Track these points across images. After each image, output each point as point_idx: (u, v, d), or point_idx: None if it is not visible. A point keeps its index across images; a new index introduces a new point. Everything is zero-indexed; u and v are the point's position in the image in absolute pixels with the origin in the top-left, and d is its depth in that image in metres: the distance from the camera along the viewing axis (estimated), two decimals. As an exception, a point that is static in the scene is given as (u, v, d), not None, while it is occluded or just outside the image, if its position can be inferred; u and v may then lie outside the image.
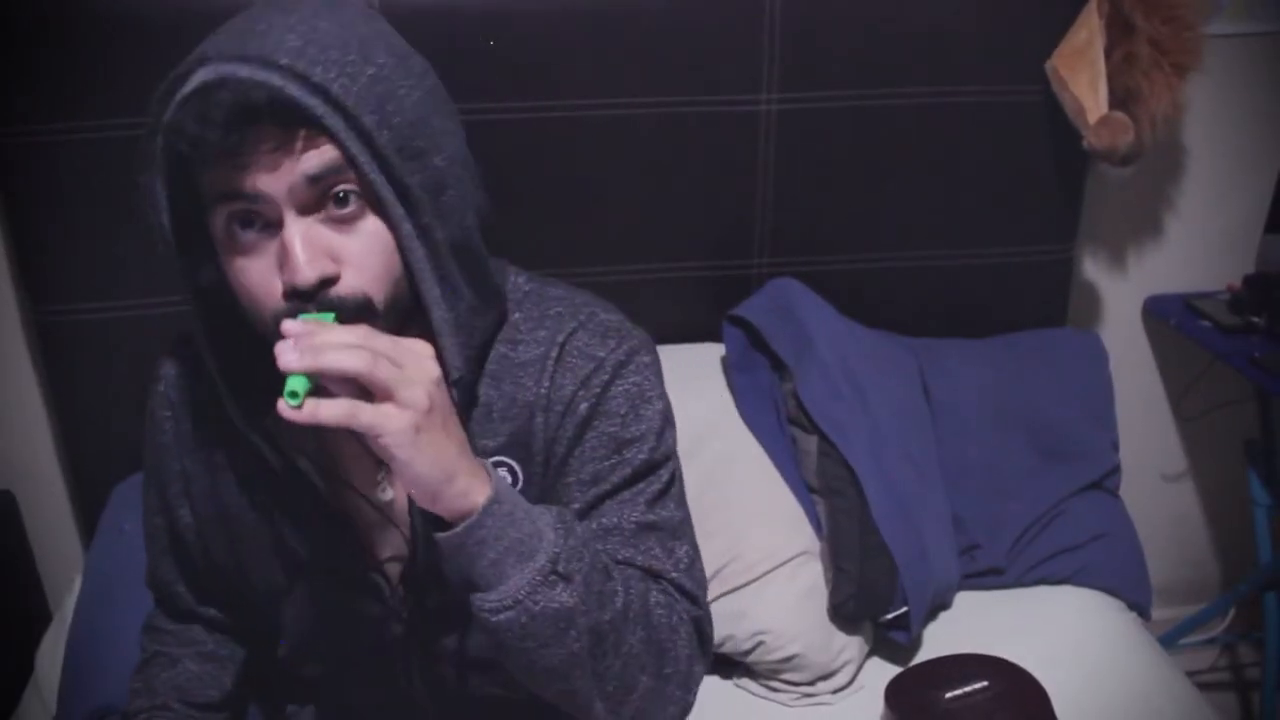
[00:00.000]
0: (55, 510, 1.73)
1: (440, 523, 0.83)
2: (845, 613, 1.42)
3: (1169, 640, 1.98)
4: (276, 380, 0.75)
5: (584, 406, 0.95)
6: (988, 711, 1.29)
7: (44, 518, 1.72)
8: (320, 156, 0.80)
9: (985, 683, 1.32)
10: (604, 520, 0.95)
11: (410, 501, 0.95)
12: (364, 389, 0.76)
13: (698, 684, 0.97)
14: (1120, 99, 1.61)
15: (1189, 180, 1.87)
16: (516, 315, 0.99)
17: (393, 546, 1.00)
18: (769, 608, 1.41)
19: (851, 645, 1.44)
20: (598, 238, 1.62)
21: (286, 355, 0.73)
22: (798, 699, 1.42)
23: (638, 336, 1.00)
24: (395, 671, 1.04)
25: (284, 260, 0.81)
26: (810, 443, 1.52)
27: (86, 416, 1.57)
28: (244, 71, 0.77)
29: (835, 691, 1.42)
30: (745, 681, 1.46)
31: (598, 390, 0.95)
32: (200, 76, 0.78)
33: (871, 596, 1.42)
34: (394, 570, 1.00)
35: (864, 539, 1.44)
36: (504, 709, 1.04)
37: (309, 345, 0.74)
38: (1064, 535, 1.61)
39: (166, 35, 1.39)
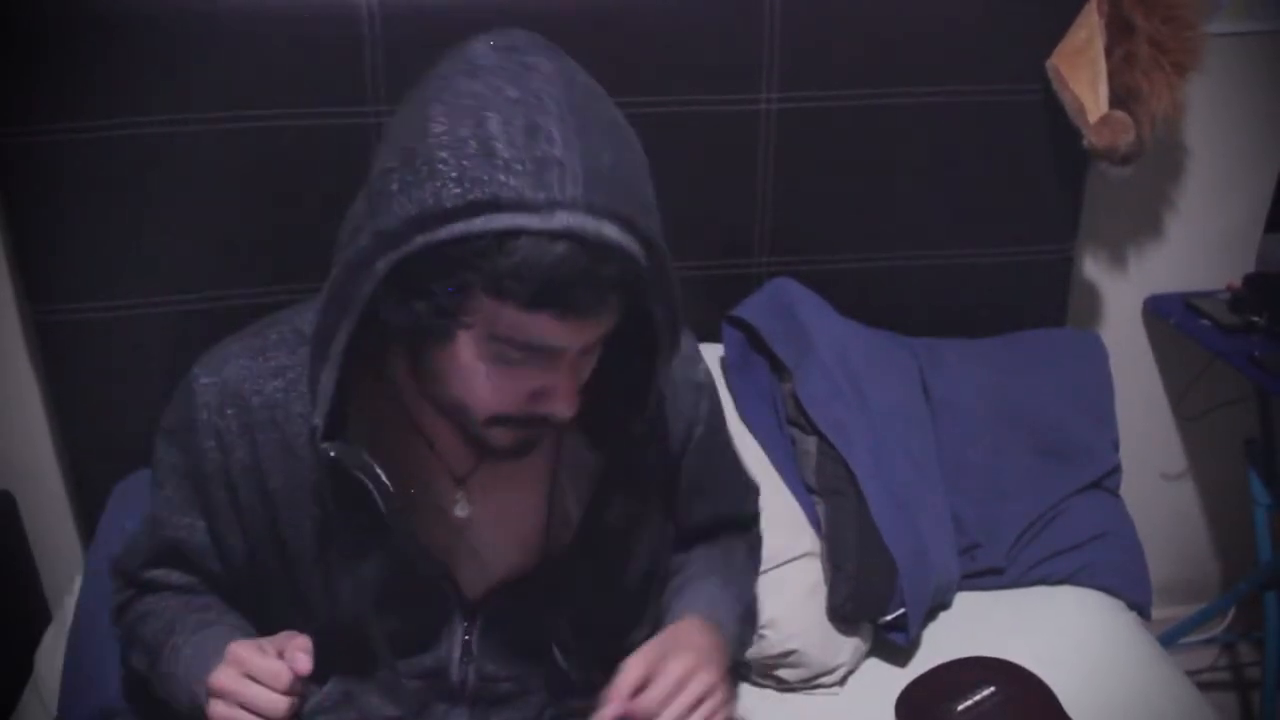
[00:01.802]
0: (55, 510, 1.73)
1: None
2: (844, 614, 1.42)
3: (1169, 640, 1.98)
4: (349, 401, 0.87)
5: (699, 430, 1.09)
6: (999, 718, 1.28)
7: (44, 518, 1.72)
8: (616, 312, 0.82)
9: (993, 688, 1.31)
10: (703, 482, 1.12)
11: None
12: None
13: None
14: (1120, 98, 1.61)
15: (1189, 180, 1.87)
16: None
17: (468, 562, 1.02)
18: (770, 604, 1.41)
19: (850, 646, 1.44)
20: (597, 238, 1.62)
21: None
22: (794, 694, 1.42)
23: (695, 343, 1.11)
24: (446, 673, 1.06)
25: (547, 394, 0.84)
26: (809, 443, 1.51)
27: (86, 416, 1.57)
28: (609, 233, 0.75)
29: (833, 685, 1.42)
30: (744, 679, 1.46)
31: (705, 411, 1.10)
32: (563, 221, 0.74)
33: (870, 597, 1.42)
34: (469, 581, 1.03)
35: (863, 540, 1.44)
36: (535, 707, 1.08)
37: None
38: (1064, 535, 1.61)
39: (167, 35, 1.40)
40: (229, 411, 0.96)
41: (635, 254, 0.77)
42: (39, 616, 1.66)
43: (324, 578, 0.99)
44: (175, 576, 1.07)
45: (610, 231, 0.75)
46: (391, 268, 0.77)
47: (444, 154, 0.75)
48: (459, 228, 0.74)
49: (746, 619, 1.16)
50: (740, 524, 1.23)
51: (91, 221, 1.46)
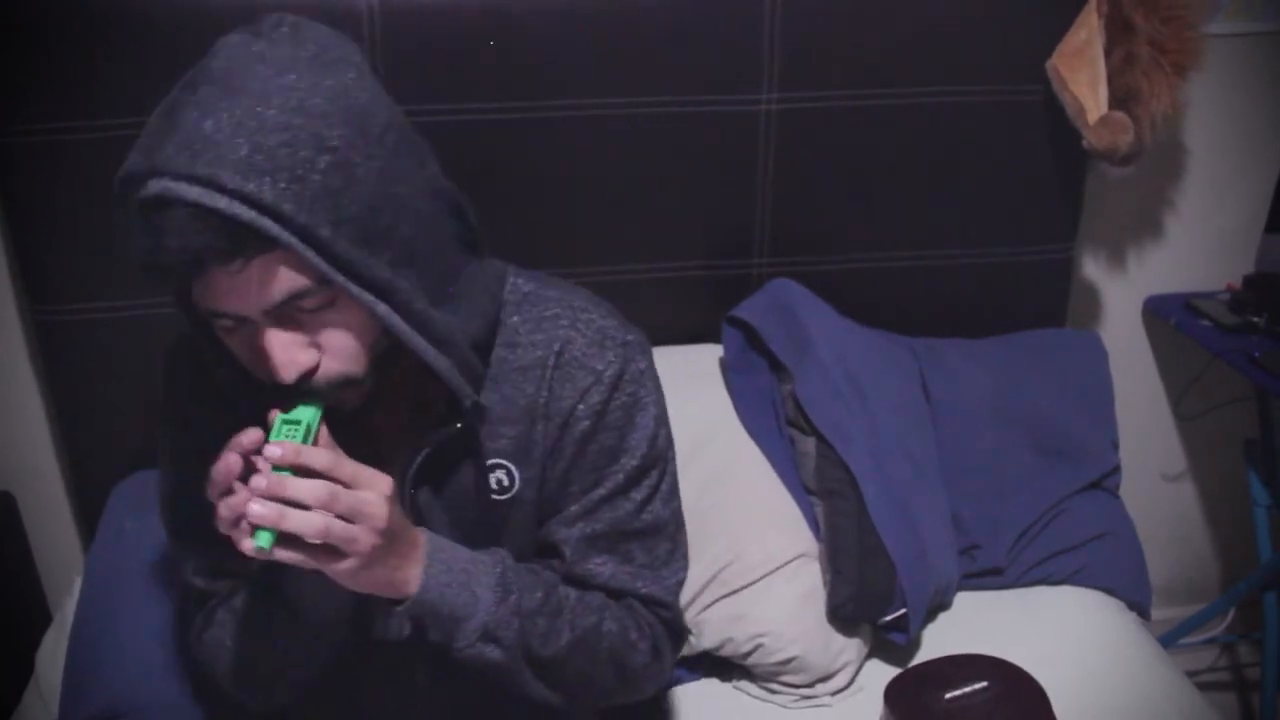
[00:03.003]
0: (55, 510, 1.73)
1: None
2: (843, 615, 1.42)
3: (1169, 640, 1.99)
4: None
5: (585, 423, 1.02)
6: (987, 712, 1.29)
7: (44, 518, 1.72)
8: (285, 282, 0.83)
9: (985, 683, 1.32)
10: (595, 526, 1.04)
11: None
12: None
13: (668, 669, 1.12)
14: (1120, 99, 1.61)
15: (1189, 180, 1.87)
16: (515, 318, 1.02)
17: None
18: (768, 610, 1.41)
19: (850, 647, 1.44)
20: (597, 238, 1.62)
21: (254, 509, 0.81)
22: (796, 701, 1.42)
23: (633, 340, 1.04)
24: (401, 665, 1.06)
25: (266, 357, 0.86)
26: (809, 444, 1.51)
27: (86, 416, 1.57)
28: (193, 194, 0.78)
29: (834, 693, 1.42)
30: (744, 684, 1.45)
31: (597, 405, 1.01)
32: (153, 189, 0.79)
33: (870, 599, 1.42)
34: None
35: (862, 541, 1.44)
36: (503, 700, 1.06)
37: (276, 500, 0.82)
38: (1064, 535, 1.61)
39: (167, 35, 1.40)
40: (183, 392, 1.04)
41: (225, 212, 0.78)
42: (39, 617, 1.66)
43: None
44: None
45: (189, 193, 0.78)
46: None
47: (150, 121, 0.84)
48: (118, 206, 0.82)
49: (502, 625, 0.98)
50: (621, 595, 1.06)
51: (91, 221, 1.46)
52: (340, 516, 0.84)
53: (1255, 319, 1.78)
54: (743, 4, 1.52)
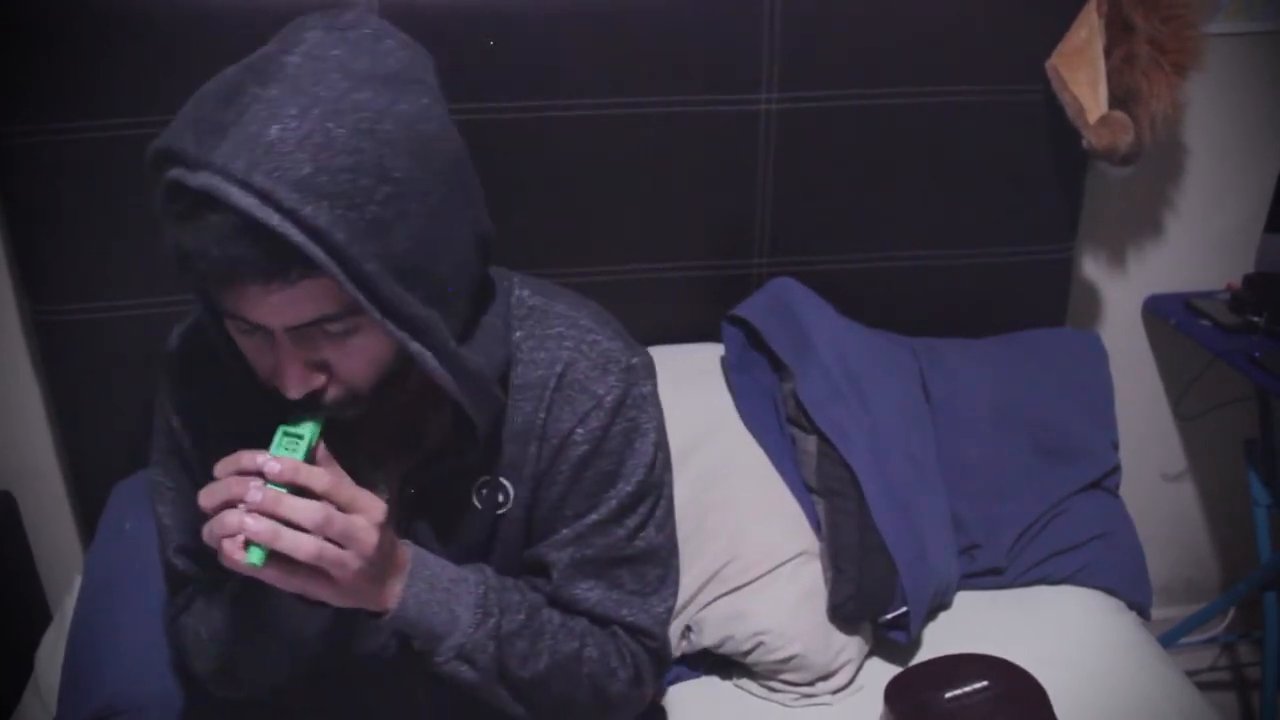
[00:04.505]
0: (55, 510, 1.73)
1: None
2: (844, 613, 1.42)
3: (1169, 640, 1.98)
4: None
5: (584, 448, 1.00)
6: (987, 712, 1.28)
7: (44, 518, 1.72)
8: (317, 305, 0.81)
9: (985, 682, 1.31)
10: (586, 551, 1.02)
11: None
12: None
13: (649, 698, 1.12)
14: (1120, 99, 1.61)
15: (1189, 180, 1.87)
16: (519, 334, 1.01)
17: None
18: (768, 608, 1.41)
19: (851, 646, 1.44)
20: (597, 238, 1.62)
21: (250, 524, 0.81)
22: (797, 699, 1.42)
23: (637, 363, 1.03)
24: (391, 670, 1.05)
25: (277, 368, 0.85)
26: (810, 443, 1.51)
27: (86, 416, 1.57)
28: (246, 202, 0.74)
29: (835, 692, 1.42)
30: (745, 682, 1.45)
31: (596, 431, 1.00)
32: (202, 182, 0.75)
33: (871, 597, 1.42)
34: None
35: (863, 539, 1.44)
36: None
37: (270, 518, 0.82)
38: (1064, 535, 1.61)
39: (167, 35, 1.40)
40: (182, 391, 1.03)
41: (277, 231, 0.75)
42: (39, 617, 1.66)
43: None
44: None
45: (242, 201, 0.74)
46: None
47: (195, 99, 0.81)
48: (151, 173, 0.79)
49: (479, 649, 0.98)
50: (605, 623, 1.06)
51: (91, 221, 1.46)
52: (330, 540, 0.84)
53: (1255, 319, 1.77)
54: (743, 4, 1.52)
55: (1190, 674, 1.49)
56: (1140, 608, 1.61)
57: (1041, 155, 1.68)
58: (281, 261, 0.77)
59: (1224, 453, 2.00)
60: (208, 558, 1.01)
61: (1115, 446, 1.69)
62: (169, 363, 1.05)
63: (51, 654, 1.44)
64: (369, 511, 0.86)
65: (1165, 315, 1.88)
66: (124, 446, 1.55)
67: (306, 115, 0.76)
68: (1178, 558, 2.12)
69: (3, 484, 1.68)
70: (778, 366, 1.58)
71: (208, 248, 0.76)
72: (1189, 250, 1.91)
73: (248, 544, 0.82)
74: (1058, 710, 1.29)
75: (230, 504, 0.83)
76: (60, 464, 1.70)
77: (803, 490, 1.53)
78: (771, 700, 1.43)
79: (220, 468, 0.85)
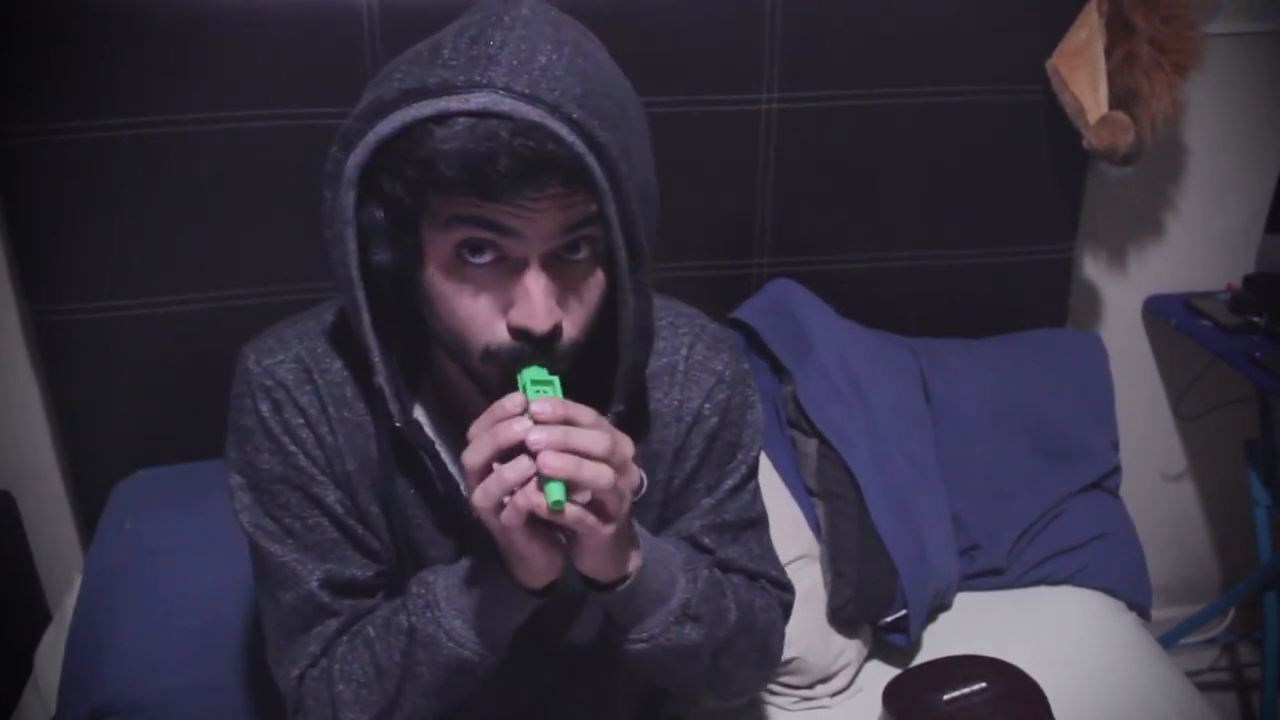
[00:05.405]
0: (55, 510, 1.73)
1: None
2: (844, 616, 1.42)
3: (1169, 640, 1.99)
4: (415, 374, 0.92)
5: (713, 420, 1.03)
6: (985, 713, 1.28)
7: (44, 518, 1.72)
8: (582, 209, 0.81)
9: (984, 684, 1.31)
10: (725, 516, 1.05)
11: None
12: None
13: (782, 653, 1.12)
14: (1120, 99, 1.61)
15: (1189, 180, 1.87)
16: None
17: None
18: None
19: (850, 648, 1.44)
20: (597, 238, 1.62)
21: (552, 462, 0.76)
22: (796, 702, 1.42)
23: (737, 344, 1.09)
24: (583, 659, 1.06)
25: (519, 301, 0.82)
26: (810, 445, 1.51)
27: (86, 416, 1.57)
28: (535, 115, 0.76)
29: (834, 694, 1.42)
30: (745, 682, 1.46)
31: (722, 403, 1.04)
32: (482, 102, 0.76)
33: (870, 599, 1.42)
34: None
35: (863, 542, 1.44)
36: (605, 687, 1.11)
37: (568, 449, 0.77)
38: (1064, 535, 1.61)
39: (167, 35, 1.40)
40: (307, 388, 0.94)
41: (565, 138, 0.76)
42: (39, 616, 1.66)
43: (407, 559, 0.99)
44: (344, 608, 0.99)
45: (531, 113, 0.76)
46: (361, 175, 0.81)
47: (399, 62, 0.82)
48: (396, 116, 0.78)
49: (694, 614, 0.96)
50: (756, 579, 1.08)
51: (91, 221, 1.46)
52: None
53: (1255, 319, 1.78)
54: (743, 4, 1.52)
55: (1190, 674, 1.49)
56: (1140, 608, 1.61)
57: (1042, 155, 1.68)
58: (564, 169, 0.77)
59: (1224, 453, 2.00)
60: (356, 586, 0.99)
61: (1115, 447, 1.69)
62: (272, 391, 0.95)
63: (51, 653, 1.44)
64: (629, 444, 0.84)
65: (1165, 315, 1.88)
66: (124, 446, 1.55)
67: (560, 50, 0.79)
68: (1178, 558, 2.12)
69: (3, 484, 1.68)
70: (777, 369, 1.58)
71: (497, 157, 0.75)
72: (1189, 250, 1.91)
73: (546, 485, 0.76)
74: (1058, 711, 1.29)
75: (498, 457, 0.78)
76: (60, 464, 1.70)
77: (803, 493, 1.53)
78: (770, 703, 1.43)
79: (476, 426, 0.80)
